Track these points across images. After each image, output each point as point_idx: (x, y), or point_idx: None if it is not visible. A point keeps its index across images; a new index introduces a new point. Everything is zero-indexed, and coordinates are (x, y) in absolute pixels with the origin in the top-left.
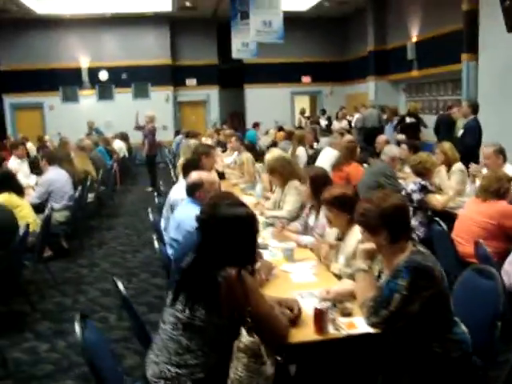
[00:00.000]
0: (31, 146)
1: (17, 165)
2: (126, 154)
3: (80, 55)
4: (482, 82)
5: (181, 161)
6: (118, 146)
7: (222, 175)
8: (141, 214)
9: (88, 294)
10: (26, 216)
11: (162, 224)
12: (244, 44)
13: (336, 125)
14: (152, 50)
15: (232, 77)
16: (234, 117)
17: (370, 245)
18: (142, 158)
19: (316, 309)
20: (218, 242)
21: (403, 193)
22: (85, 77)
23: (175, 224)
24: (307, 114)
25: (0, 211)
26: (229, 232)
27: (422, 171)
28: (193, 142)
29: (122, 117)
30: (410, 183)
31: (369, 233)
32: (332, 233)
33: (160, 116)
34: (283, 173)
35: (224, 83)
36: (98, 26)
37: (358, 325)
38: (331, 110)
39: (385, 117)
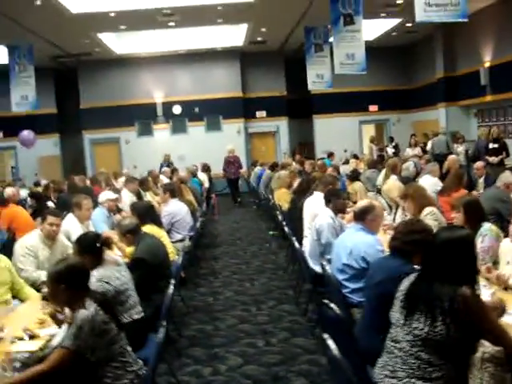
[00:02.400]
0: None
1: (130, 198)
2: (208, 185)
3: (154, 91)
4: None
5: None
6: (202, 177)
7: None
8: (238, 243)
9: (225, 321)
10: (167, 246)
11: (307, 249)
12: (319, 76)
13: (410, 152)
14: (223, 83)
15: (300, 107)
16: (303, 147)
17: None
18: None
19: None
20: (443, 262)
21: None
22: (159, 111)
23: (347, 250)
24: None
25: (158, 243)
26: (453, 252)
27: None
28: (283, 173)
29: (194, 150)
30: None
31: None
32: (505, 252)
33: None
34: (418, 199)
35: (292, 114)
36: (171, 63)
37: None
38: (398, 137)
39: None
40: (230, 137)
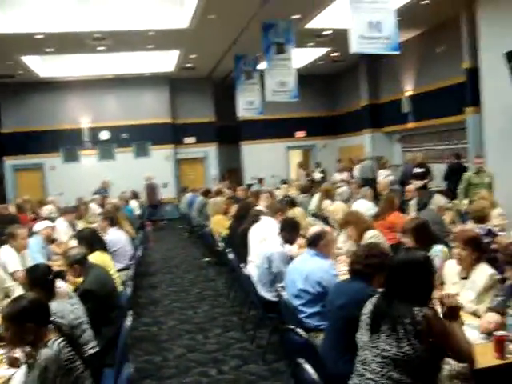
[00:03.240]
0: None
1: (65, 228)
2: (139, 212)
3: (81, 116)
4: (487, 132)
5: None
6: (133, 204)
7: None
8: (174, 270)
9: (173, 351)
10: (114, 275)
11: (254, 276)
12: (249, 102)
13: (337, 176)
14: (152, 109)
15: (229, 133)
16: (232, 172)
17: None
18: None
19: (496, 336)
20: (401, 282)
21: None
22: (86, 137)
23: (302, 276)
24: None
25: (106, 274)
26: (410, 273)
27: (483, 217)
28: (219, 199)
29: (122, 176)
30: (475, 228)
31: None
32: (451, 273)
33: (161, 174)
34: (359, 225)
35: (221, 140)
36: (98, 87)
37: None
38: (324, 162)
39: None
40: (159, 163)
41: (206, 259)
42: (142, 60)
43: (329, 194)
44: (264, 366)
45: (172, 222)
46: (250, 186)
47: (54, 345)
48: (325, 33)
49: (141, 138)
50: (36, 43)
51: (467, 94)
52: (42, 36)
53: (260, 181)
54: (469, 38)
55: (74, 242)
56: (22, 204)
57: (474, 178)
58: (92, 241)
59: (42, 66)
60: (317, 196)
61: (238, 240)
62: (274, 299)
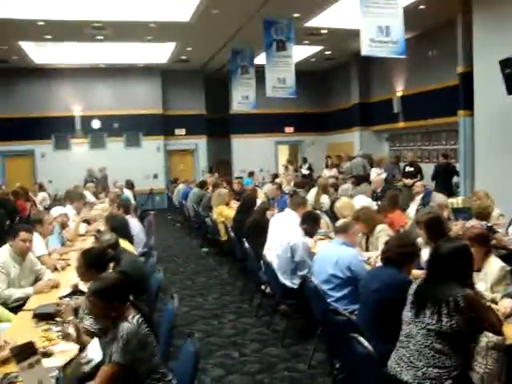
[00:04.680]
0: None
1: (74, 216)
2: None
3: (73, 104)
4: (478, 135)
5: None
6: (128, 194)
7: None
8: (175, 260)
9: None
10: None
11: (276, 264)
12: (244, 97)
13: (326, 173)
14: (143, 99)
15: (219, 126)
16: (221, 165)
17: None
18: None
19: None
20: (447, 267)
21: None
22: (77, 125)
23: (332, 262)
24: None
25: (137, 258)
26: (455, 259)
27: (486, 215)
28: (223, 190)
29: (113, 165)
30: (476, 225)
31: None
32: None
33: (151, 165)
34: (367, 220)
35: (211, 132)
36: (91, 76)
37: None
38: (312, 158)
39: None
40: (150, 153)
41: (205, 249)
42: (136, 51)
43: (325, 189)
44: (283, 349)
45: (161, 212)
46: (239, 178)
47: (133, 320)
48: (321, 31)
49: (132, 128)
50: (36, 29)
51: (460, 97)
52: (42, 23)
53: (251, 174)
54: (463, 43)
55: (83, 229)
56: (19, 190)
57: None
58: (119, 228)
59: (36, 52)
60: (314, 190)
61: (248, 230)
62: (294, 286)
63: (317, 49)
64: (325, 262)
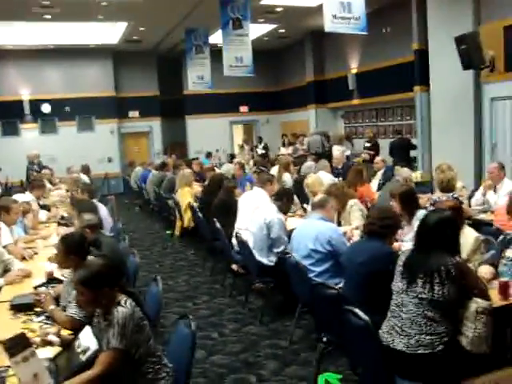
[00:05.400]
0: None
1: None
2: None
3: (20, 87)
4: (435, 110)
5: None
6: (84, 178)
7: None
8: (138, 243)
9: (168, 318)
10: None
11: (251, 242)
12: (199, 77)
13: (283, 151)
14: (95, 82)
15: (173, 108)
16: (176, 146)
17: None
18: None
19: (502, 282)
20: (436, 237)
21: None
22: (26, 110)
23: (312, 237)
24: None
25: (115, 242)
26: (444, 229)
27: (451, 188)
28: (188, 171)
29: (66, 151)
30: (442, 197)
31: None
32: None
33: (105, 148)
34: (341, 196)
35: (165, 114)
36: (39, 58)
37: None
38: (267, 137)
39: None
40: (103, 137)
41: (168, 232)
42: (86, 31)
43: (287, 168)
44: (262, 327)
45: (118, 196)
46: (195, 159)
47: (127, 304)
48: (276, 9)
49: (84, 111)
50: None
51: (416, 73)
52: None
53: (209, 155)
54: (418, 20)
55: (43, 216)
56: None
57: None
58: (88, 212)
59: None
60: (275, 169)
61: (216, 210)
62: (271, 264)
63: (270, 27)
64: (304, 237)
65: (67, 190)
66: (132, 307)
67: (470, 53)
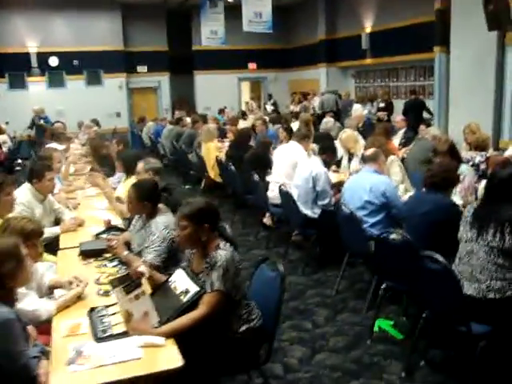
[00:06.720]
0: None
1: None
2: None
3: (28, 39)
4: (454, 72)
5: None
6: None
7: None
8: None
9: None
10: None
11: (295, 194)
12: (213, 32)
13: (294, 109)
14: (103, 35)
15: (181, 63)
16: (183, 102)
17: None
18: None
19: None
20: (507, 189)
21: (470, 163)
22: (33, 62)
23: (366, 189)
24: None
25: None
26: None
27: (486, 147)
28: (212, 125)
29: (74, 105)
30: (476, 156)
31: None
32: None
33: (113, 103)
34: (382, 151)
35: (174, 69)
36: (47, 8)
37: None
38: (275, 95)
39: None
40: (112, 92)
41: (188, 186)
42: None
43: (308, 125)
44: (305, 277)
45: None
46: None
47: (226, 246)
48: None
49: (92, 65)
50: None
51: (437, 33)
52: None
53: (222, 111)
54: None
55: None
56: None
57: None
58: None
59: None
60: (295, 125)
61: (250, 164)
62: (315, 216)
63: None
64: (358, 189)
65: (83, 145)
66: (231, 251)
67: (497, 13)
